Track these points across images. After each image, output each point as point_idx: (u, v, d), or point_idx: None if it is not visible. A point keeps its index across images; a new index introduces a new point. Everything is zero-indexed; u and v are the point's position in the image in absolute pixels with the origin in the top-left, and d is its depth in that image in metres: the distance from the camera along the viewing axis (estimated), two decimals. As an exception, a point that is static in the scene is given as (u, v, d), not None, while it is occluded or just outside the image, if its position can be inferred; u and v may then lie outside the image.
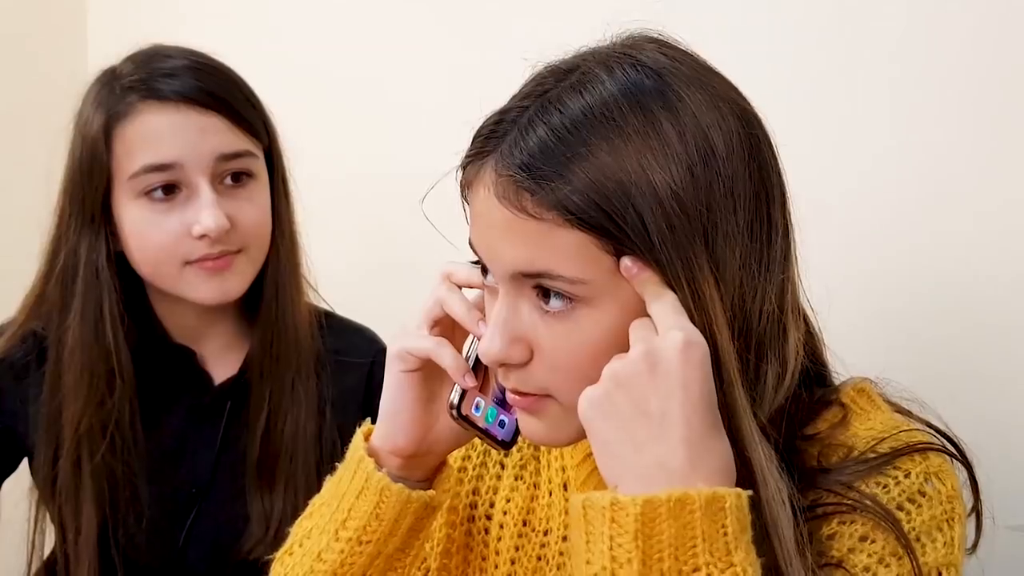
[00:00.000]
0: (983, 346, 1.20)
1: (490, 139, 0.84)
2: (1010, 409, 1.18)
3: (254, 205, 1.29)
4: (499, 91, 0.87)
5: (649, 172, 0.78)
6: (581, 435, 0.87)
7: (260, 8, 1.93)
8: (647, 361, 0.77)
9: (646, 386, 0.77)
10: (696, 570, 0.74)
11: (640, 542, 0.74)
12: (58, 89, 1.31)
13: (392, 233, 1.73)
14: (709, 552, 0.74)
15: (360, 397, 1.37)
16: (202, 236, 1.24)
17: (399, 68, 1.73)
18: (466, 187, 0.86)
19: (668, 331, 0.78)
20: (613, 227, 0.78)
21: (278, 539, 1.24)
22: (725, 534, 0.74)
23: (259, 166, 1.30)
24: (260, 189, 1.30)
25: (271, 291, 1.33)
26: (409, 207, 1.68)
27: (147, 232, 1.26)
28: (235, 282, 1.28)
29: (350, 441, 0.98)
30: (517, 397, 0.87)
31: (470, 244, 0.87)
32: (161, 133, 1.24)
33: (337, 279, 1.47)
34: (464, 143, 0.87)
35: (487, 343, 0.84)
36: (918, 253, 1.22)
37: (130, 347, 1.30)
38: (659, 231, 0.78)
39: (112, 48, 1.32)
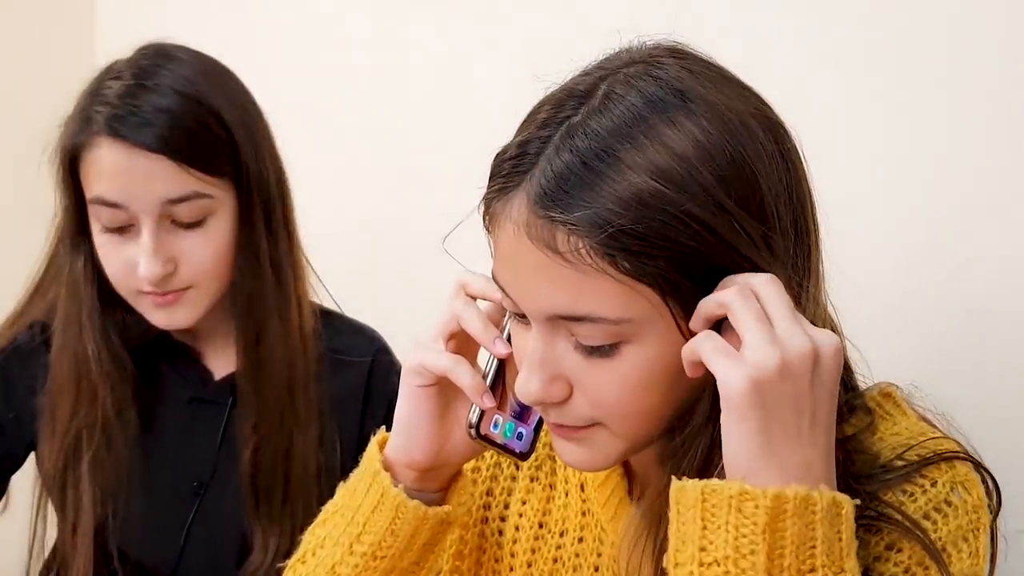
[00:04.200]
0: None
1: (514, 174, 0.81)
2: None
3: (205, 243, 1.25)
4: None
5: (686, 168, 0.77)
6: (623, 459, 0.87)
7: (263, 3, 1.93)
8: (811, 359, 0.77)
9: (806, 384, 0.77)
10: (812, 571, 0.75)
11: (768, 535, 0.75)
12: (66, 87, 1.30)
13: (391, 231, 1.74)
14: (826, 555, 0.75)
15: (360, 396, 1.37)
16: None
17: (399, 65, 1.72)
18: (490, 221, 0.84)
19: (821, 333, 0.78)
20: (652, 237, 0.76)
21: (280, 531, 1.27)
22: (840, 539, 0.76)
23: (214, 204, 1.25)
24: (216, 225, 1.26)
25: (241, 320, 1.31)
26: (408, 205, 1.69)
27: (104, 258, 1.26)
28: (184, 313, 1.27)
29: (349, 441, 0.98)
30: (561, 429, 0.86)
31: (494, 279, 0.85)
32: (112, 171, 1.22)
33: (334, 276, 1.45)
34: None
35: (524, 384, 0.83)
36: (944, 257, 1.21)
37: (129, 345, 1.31)
38: (704, 222, 0.77)
39: (120, 46, 1.30)
